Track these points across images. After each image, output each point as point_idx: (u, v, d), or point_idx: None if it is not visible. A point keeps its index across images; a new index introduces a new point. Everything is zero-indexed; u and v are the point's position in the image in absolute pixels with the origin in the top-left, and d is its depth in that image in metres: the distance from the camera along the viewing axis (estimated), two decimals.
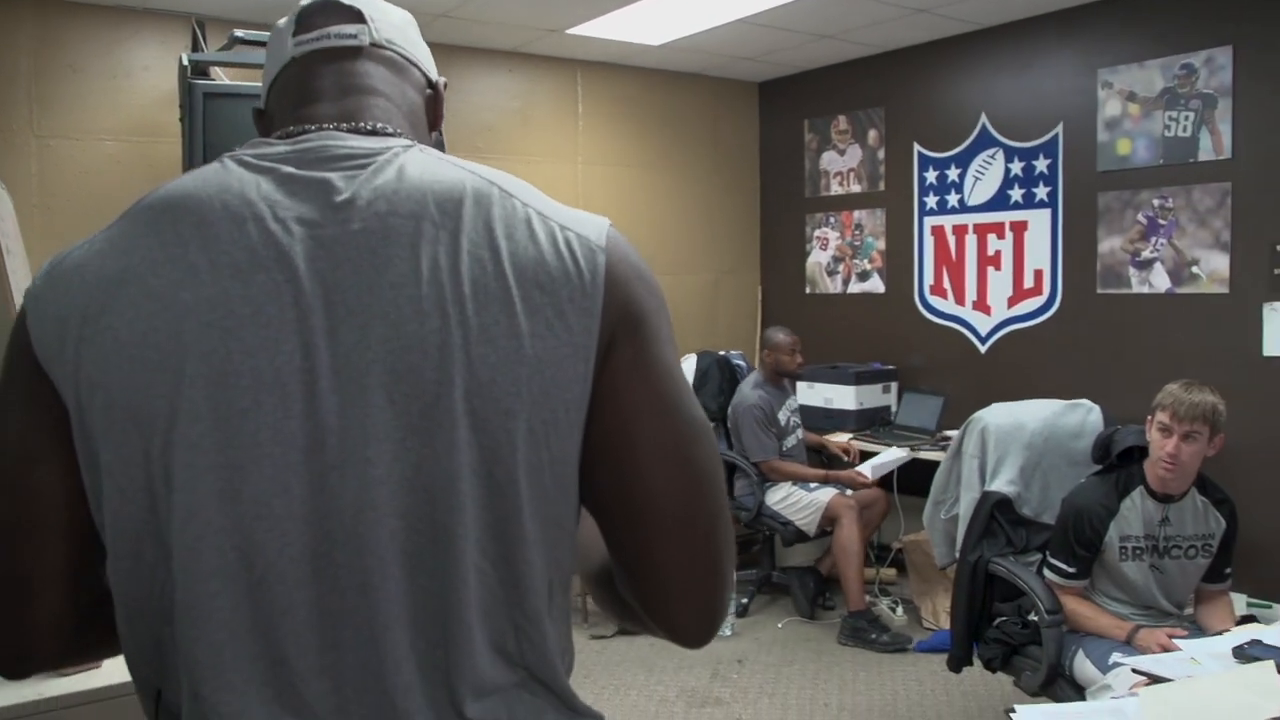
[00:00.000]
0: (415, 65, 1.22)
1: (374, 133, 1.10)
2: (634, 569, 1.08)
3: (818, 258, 6.97)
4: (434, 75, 1.26)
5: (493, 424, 0.97)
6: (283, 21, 1.19)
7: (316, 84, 1.14)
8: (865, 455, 5.71)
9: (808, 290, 7.06)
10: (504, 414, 0.97)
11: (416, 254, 0.98)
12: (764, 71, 7.02)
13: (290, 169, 1.02)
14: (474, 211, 1.01)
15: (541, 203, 1.06)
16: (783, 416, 5.70)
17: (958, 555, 3.82)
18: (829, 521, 5.39)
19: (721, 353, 6.51)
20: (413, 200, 1.00)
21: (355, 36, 1.16)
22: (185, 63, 4.91)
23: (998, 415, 3.91)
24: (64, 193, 5.22)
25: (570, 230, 1.04)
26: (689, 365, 6.28)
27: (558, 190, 6.44)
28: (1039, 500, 3.78)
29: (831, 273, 6.88)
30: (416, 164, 1.04)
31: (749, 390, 5.71)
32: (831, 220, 6.85)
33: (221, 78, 5.25)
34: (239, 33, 5.01)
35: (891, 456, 5.50)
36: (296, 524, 0.95)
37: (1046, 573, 3.49)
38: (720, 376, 6.26)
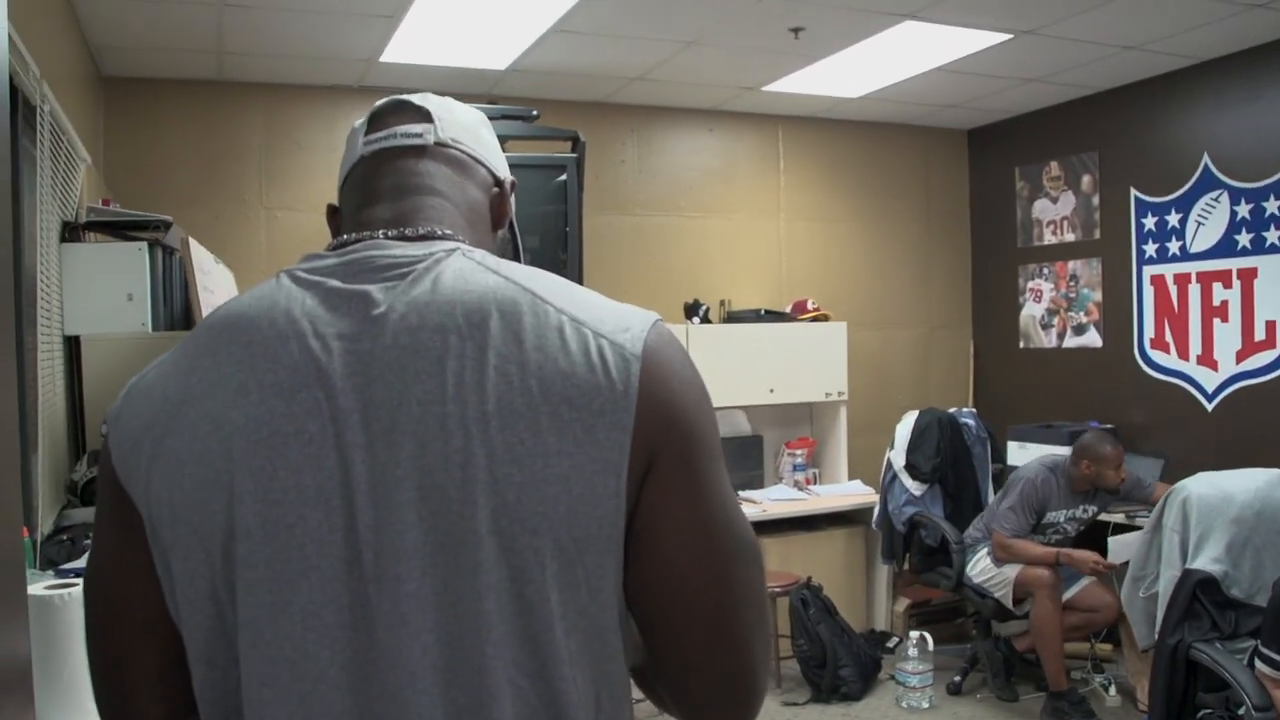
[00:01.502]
0: (482, 164, 1.24)
1: (422, 237, 1.11)
2: (670, 683, 1.09)
3: (1031, 310, 6.66)
4: (502, 174, 1.27)
5: (520, 543, 0.96)
6: (358, 122, 1.24)
7: (378, 184, 1.18)
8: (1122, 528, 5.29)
9: (1021, 344, 6.75)
10: (531, 533, 0.96)
11: (443, 369, 0.98)
12: (972, 118, 6.80)
13: (335, 283, 1.05)
14: (502, 323, 0.99)
15: (579, 306, 1.03)
16: (1055, 516, 5.09)
17: (1157, 636, 3.52)
18: (1024, 595, 5.04)
19: (955, 410, 6.13)
20: (442, 313, 1.00)
21: (420, 135, 1.19)
22: None
23: (1201, 486, 3.60)
24: (290, 260, 5.55)
25: (604, 338, 1.01)
26: (907, 424, 5.95)
27: (761, 247, 6.45)
28: (1250, 581, 3.44)
29: (1046, 326, 6.55)
30: (452, 272, 1.04)
31: (1039, 466, 5.10)
32: (1045, 271, 6.53)
33: None
34: None
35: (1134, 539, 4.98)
36: (346, 633, 0.97)
37: (1258, 663, 3.16)
38: (939, 436, 5.83)
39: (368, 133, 1.21)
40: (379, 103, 1.24)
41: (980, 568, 5.18)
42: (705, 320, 6.14)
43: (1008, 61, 5.41)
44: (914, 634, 5.00)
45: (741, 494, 6.08)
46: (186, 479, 1.00)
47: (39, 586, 1.95)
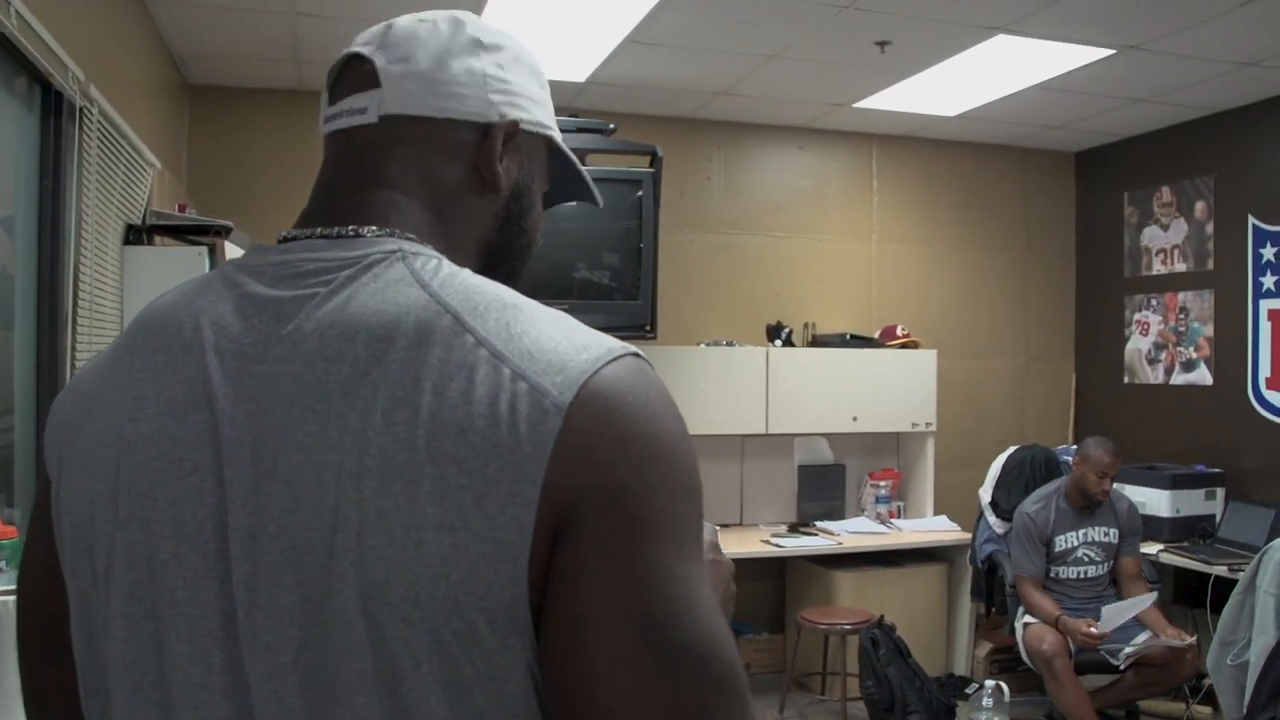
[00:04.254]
0: (455, 120, 0.98)
1: (360, 237, 0.92)
2: None
3: (1137, 344, 6.27)
4: (498, 114, 0.99)
5: (389, 632, 0.78)
6: (324, 82, 1.03)
7: (327, 172, 1.00)
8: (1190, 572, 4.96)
9: (1125, 380, 6.37)
10: (400, 621, 0.78)
11: (328, 408, 0.82)
12: (1079, 140, 6.46)
13: (258, 287, 0.90)
14: (405, 355, 0.81)
15: (513, 336, 0.83)
16: (1065, 541, 4.94)
17: (1245, 711, 3.20)
18: (1041, 661, 4.71)
19: (1060, 448, 5.81)
20: (342, 337, 0.84)
21: (364, 112, 0.97)
22: None
23: None
24: None
25: (525, 380, 0.80)
26: (1001, 459, 5.63)
27: (850, 270, 6.23)
28: None
29: (1152, 361, 6.16)
30: (375, 285, 0.87)
31: (1031, 499, 5.07)
32: (1153, 303, 6.15)
33: None
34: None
35: (1134, 606, 4.69)
36: (214, 697, 0.84)
37: None
38: (1031, 474, 5.52)
39: (327, 103, 1.01)
40: (340, 57, 1.01)
41: (1026, 619, 4.91)
42: (788, 343, 5.93)
43: (1112, 79, 5.10)
44: (989, 682, 4.70)
45: (818, 524, 5.85)
46: (84, 491, 0.90)
47: None
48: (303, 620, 0.80)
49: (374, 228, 0.93)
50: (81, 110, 3.14)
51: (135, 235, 3.96)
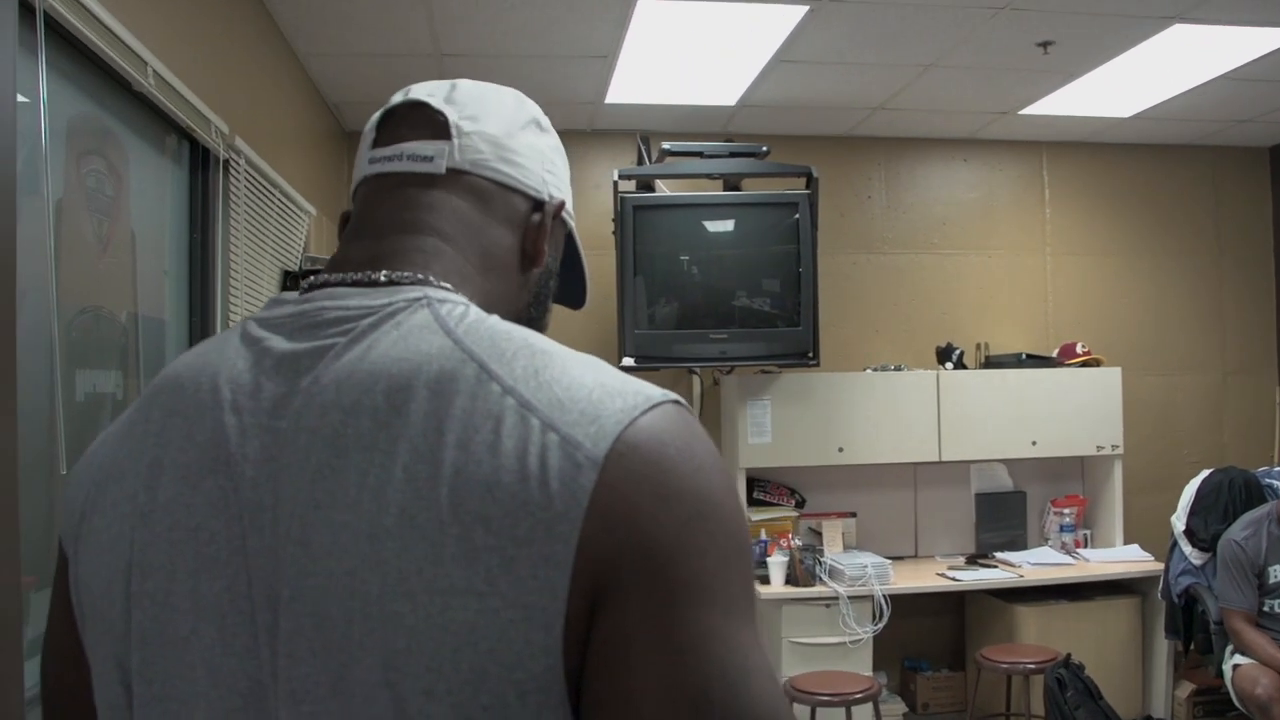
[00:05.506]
0: (515, 189, 0.98)
1: (392, 284, 0.88)
2: None
3: None
4: (549, 194, 1.01)
5: (411, 707, 0.72)
6: (370, 122, 1.00)
7: (369, 214, 0.96)
8: None
9: None
10: (424, 694, 0.72)
11: (345, 463, 0.76)
12: (1273, 134, 5.99)
13: (277, 341, 0.85)
14: (427, 406, 0.76)
15: (542, 384, 0.78)
16: (1279, 572, 4.52)
17: None
18: (1255, 707, 4.26)
19: (1263, 470, 5.26)
20: (361, 388, 0.79)
21: (430, 160, 0.95)
22: (616, 177, 5.09)
23: None
24: None
25: (556, 432, 0.75)
26: (1195, 483, 5.18)
27: (1023, 285, 5.94)
28: None
29: None
30: (397, 333, 0.82)
31: (1238, 526, 4.64)
32: None
33: (664, 189, 5.38)
34: (666, 145, 5.12)
35: None
36: None
37: None
38: (1230, 499, 5.04)
39: (375, 143, 0.98)
40: (395, 98, 1.00)
41: (1237, 659, 4.47)
42: (960, 365, 5.65)
43: None
44: None
45: (998, 556, 5.54)
46: (101, 567, 0.85)
47: None
48: (320, 693, 0.75)
49: (407, 273, 0.88)
50: (227, 162, 3.20)
51: (292, 281, 4.04)
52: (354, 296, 0.86)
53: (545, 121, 1.05)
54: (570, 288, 1.15)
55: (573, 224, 1.09)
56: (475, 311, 0.85)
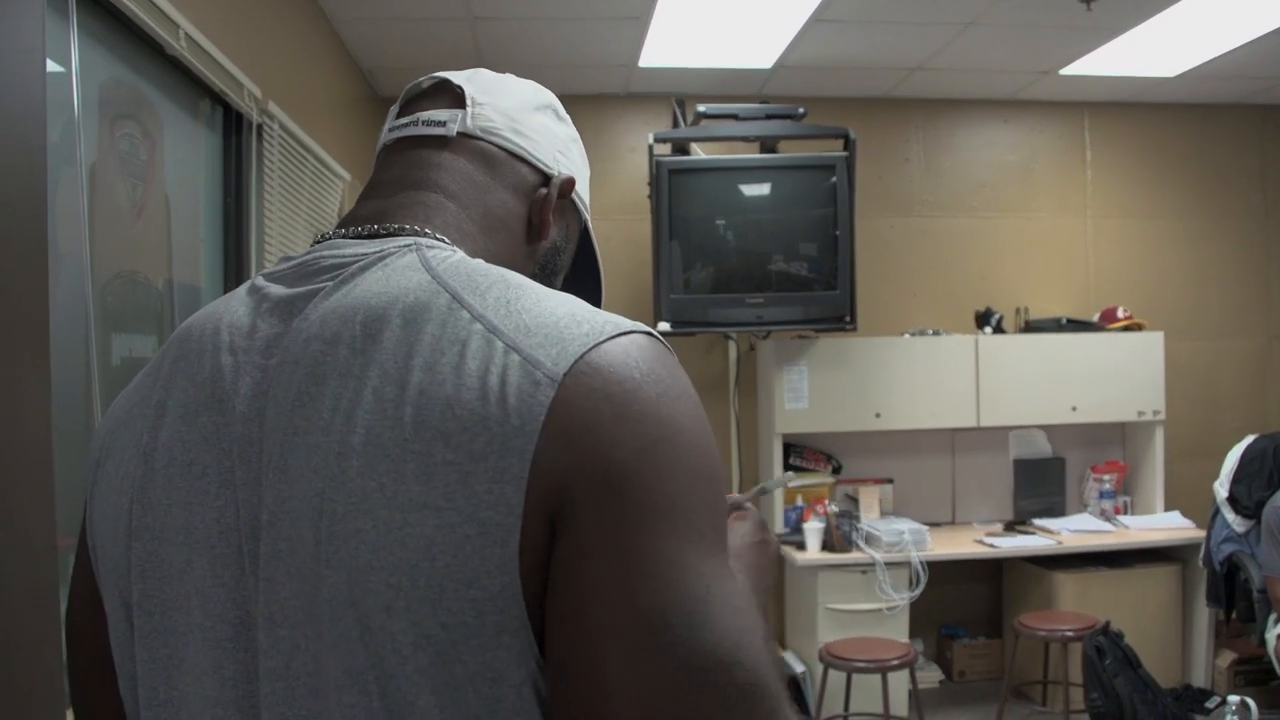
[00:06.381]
0: (524, 160, 1.03)
1: (388, 234, 0.92)
2: None
3: None
4: (556, 169, 1.05)
5: (374, 623, 0.74)
6: (396, 102, 1.07)
7: (380, 177, 1.01)
8: None
9: None
10: (384, 611, 0.73)
11: (322, 389, 0.79)
12: None
13: (277, 289, 0.89)
14: (399, 333, 0.79)
15: (512, 311, 0.79)
16: None
17: None
18: None
19: None
20: (342, 320, 0.82)
21: (444, 125, 1.01)
22: (651, 141, 5.05)
23: None
24: None
25: (518, 353, 0.76)
26: (1239, 450, 5.04)
27: (1064, 249, 5.86)
28: None
29: None
30: (383, 273, 0.85)
31: None
32: None
33: (699, 153, 5.33)
34: (702, 108, 5.07)
35: None
36: (228, 711, 0.81)
37: None
38: (1275, 465, 4.95)
39: (397, 116, 1.04)
40: (420, 80, 1.06)
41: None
42: (999, 330, 5.59)
43: None
44: (1234, 698, 4.27)
45: (1036, 522, 5.49)
46: (109, 507, 0.89)
47: None
48: (297, 617, 0.77)
49: (407, 225, 0.92)
50: (260, 127, 3.19)
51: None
52: (351, 246, 0.90)
53: (564, 113, 1.10)
54: (586, 286, 1.16)
55: (588, 217, 1.12)
56: (463, 255, 0.88)
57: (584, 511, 0.72)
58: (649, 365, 0.78)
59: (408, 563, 0.73)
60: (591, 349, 0.76)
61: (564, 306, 0.81)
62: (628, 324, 0.80)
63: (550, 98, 1.10)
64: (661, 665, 0.70)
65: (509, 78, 1.08)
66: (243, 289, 0.93)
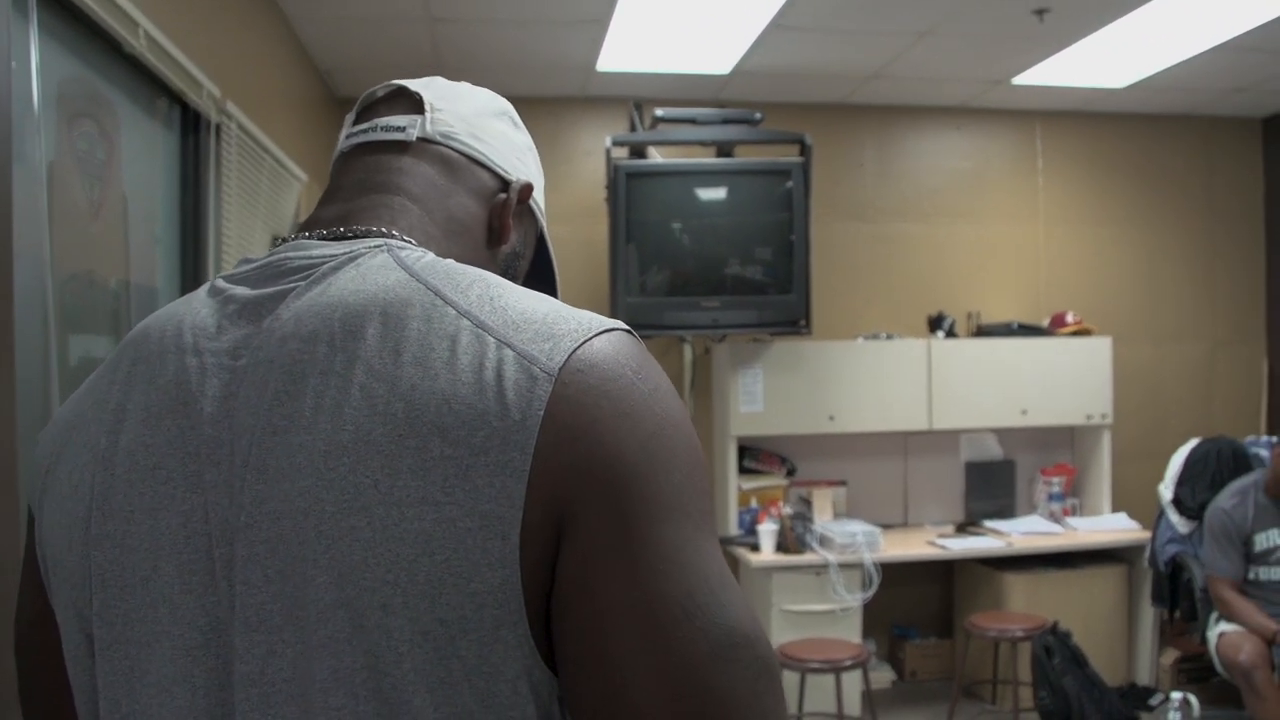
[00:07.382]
0: (484, 165, 1.05)
1: (354, 236, 0.93)
2: None
3: None
4: (514, 175, 1.06)
5: (369, 621, 0.74)
6: (353, 110, 1.08)
7: (340, 181, 1.02)
8: None
9: None
10: (381, 609, 0.74)
11: (302, 388, 0.79)
12: (1267, 104, 5.97)
13: (241, 290, 0.89)
14: (382, 330, 0.79)
15: (496, 309, 0.81)
16: (1266, 539, 4.54)
17: None
18: (1239, 673, 4.31)
19: (1250, 439, 5.34)
20: (320, 318, 0.81)
21: (403, 130, 1.02)
22: (609, 144, 5.06)
23: None
24: None
25: (511, 348, 0.77)
26: (1183, 453, 5.22)
27: (1015, 255, 5.97)
28: None
29: None
30: (356, 272, 0.85)
31: (1226, 494, 4.68)
32: None
33: (657, 156, 5.36)
34: (659, 112, 5.09)
35: None
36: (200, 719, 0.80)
37: None
38: (1218, 468, 5.08)
39: (355, 123, 1.05)
40: (376, 88, 1.06)
41: (1221, 627, 4.51)
42: (951, 334, 5.66)
43: None
44: (1176, 694, 4.38)
45: (987, 524, 5.57)
46: (62, 516, 0.87)
47: None
48: (275, 622, 0.76)
49: (373, 228, 0.93)
50: (218, 126, 3.18)
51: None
52: (318, 248, 0.90)
53: (519, 121, 1.12)
54: (541, 290, 1.19)
55: (544, 224, 1.14)
56: (435, 256, 0.89)
57: (594, 507, 0.74)
58: (637, 362, 0.81)
59: (405, 558, 0.73)
60: (583, 344, 0.79)
61: (544, 304, 0.83)
62: (607, 321, 0.83)
63: (506, 105, 1.11)
64: (700, 644, 0.73)
65: (465, 85, 1.10)
66: (202, 291, 0.92)
